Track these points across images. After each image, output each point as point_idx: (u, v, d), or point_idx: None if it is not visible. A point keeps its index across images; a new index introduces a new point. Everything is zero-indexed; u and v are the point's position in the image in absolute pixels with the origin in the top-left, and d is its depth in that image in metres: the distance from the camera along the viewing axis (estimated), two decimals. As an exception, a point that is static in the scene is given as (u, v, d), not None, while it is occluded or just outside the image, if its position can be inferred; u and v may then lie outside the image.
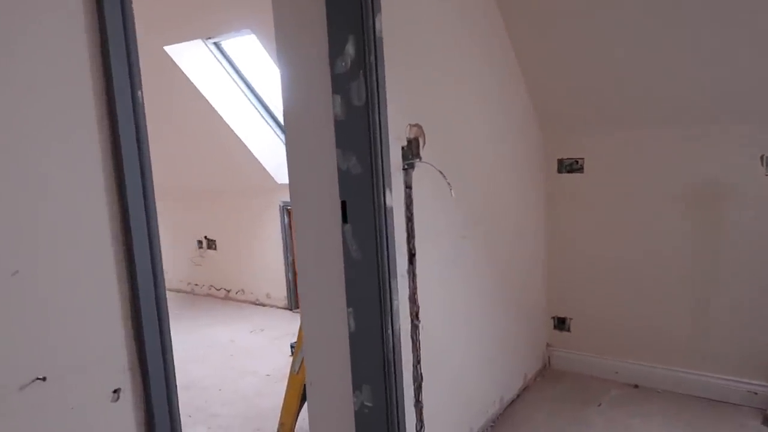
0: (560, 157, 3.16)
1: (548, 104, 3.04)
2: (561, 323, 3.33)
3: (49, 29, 1.11)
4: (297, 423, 2.70)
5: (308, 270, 2.22)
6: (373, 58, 1.86)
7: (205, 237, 5.56)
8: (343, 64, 1.89)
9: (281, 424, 2.73)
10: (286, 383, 2.72)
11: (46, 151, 1.12)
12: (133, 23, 1.21)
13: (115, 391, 1.26)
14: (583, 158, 3.09)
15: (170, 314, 5.12)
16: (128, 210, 1.23)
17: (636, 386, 3.08)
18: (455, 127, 2.45)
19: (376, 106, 1.88)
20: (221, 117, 4.30)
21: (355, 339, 2.10)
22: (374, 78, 1.87)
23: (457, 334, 2.54)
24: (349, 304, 2.09)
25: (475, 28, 2.60)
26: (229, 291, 5.45)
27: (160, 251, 1.31)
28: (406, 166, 2.09)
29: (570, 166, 3.13)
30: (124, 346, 1.27)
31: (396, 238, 2.05)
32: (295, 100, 2.09)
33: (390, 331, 2.04)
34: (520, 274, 3.09)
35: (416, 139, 2.12)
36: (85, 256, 1.19)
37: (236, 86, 4.33)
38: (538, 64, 2.88)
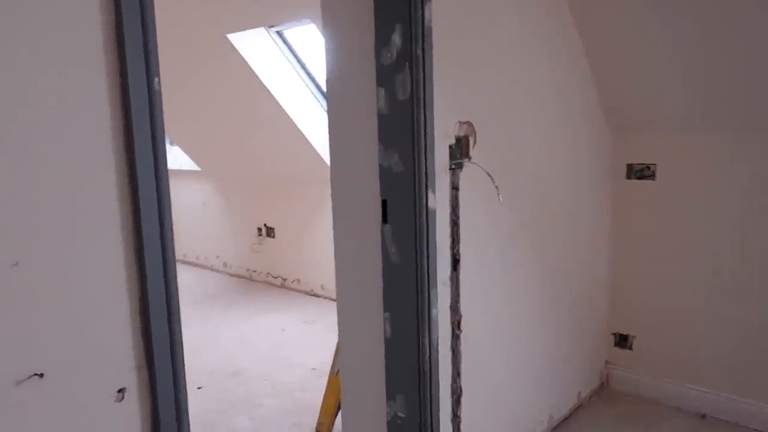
0: (630, 162, 2.90)
1: (619, 103, 2.80)
2: (623, 340, 3.09)
3: (58, 10, 1.06)
4: (335, 424, 2.64)
5: (346, 269, 2.13)
6: (420, 49, 1.73)
7: (265, 224, 5.61)
8: (389, 55, 1.77)
9: (320, 424, 2.68)
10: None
11: (50, 136, 1.07)
12: (152, 2, 1.15)
13: (119, 391, 1.21)
14: (655, 164, 2.82)
15: (227, 299, 5.16)
16: (139, 195, 1.17)
17: (703, 416, 2.81)
18: (511, 125, 2.28)
19: (422, 101, 1.76)
20: (281, 106, 4.28)
21: (390, 346, 2.00)
22: (421, 71, 1.75)
23: (503, 345, 2.38)
24: (386, 308, 1.99)
25: (538, 19, 2.40)
26: (285, 279, 5.47)
27: (172, 242, 1.24)
28: (453, 166, 1.95)
29: (641, 172, 2.87)
30: (131, 342, 1.22)
31: (439, 242, 1.93)
32: (339, 90, 1.99)
33: (427, 340, 1.92)
34: (578, 286, 2.88)
35: (466, 138, 1.97)
36: (90, 247, 1.14)
37: (297, 75, 4.30)
38: (609, 59, 2.65)
